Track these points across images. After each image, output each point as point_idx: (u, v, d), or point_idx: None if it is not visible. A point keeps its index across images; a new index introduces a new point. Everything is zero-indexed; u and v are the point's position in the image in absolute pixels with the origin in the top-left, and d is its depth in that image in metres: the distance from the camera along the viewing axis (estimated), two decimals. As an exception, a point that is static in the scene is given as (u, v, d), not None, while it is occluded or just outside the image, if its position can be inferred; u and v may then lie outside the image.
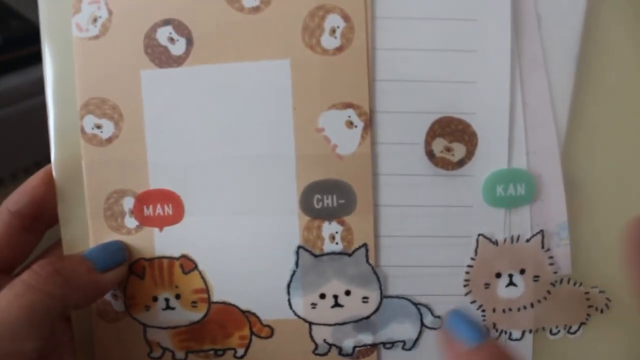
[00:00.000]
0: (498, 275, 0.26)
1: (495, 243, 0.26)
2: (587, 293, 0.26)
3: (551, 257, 0.26)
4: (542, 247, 0.26)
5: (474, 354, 0.22)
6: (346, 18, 0.25)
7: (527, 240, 0.26)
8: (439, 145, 0.25)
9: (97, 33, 0.25)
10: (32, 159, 0.39)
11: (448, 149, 0.25)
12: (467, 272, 0.26)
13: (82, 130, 0.26)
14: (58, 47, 0.26)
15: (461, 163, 0.25)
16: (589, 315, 0.26)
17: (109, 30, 0.25)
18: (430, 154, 0.25)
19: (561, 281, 0.26)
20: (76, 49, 0.25)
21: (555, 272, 0.26)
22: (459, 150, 0.25)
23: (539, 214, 0.26)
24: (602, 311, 0.26)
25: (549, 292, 0.26)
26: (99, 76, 0.26)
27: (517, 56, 0.25)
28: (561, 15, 0.25)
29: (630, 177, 0.26)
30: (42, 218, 0.26)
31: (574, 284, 0.26)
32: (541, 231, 0.26)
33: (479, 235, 0.25)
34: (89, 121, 0.26)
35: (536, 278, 0.26)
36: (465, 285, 0.26)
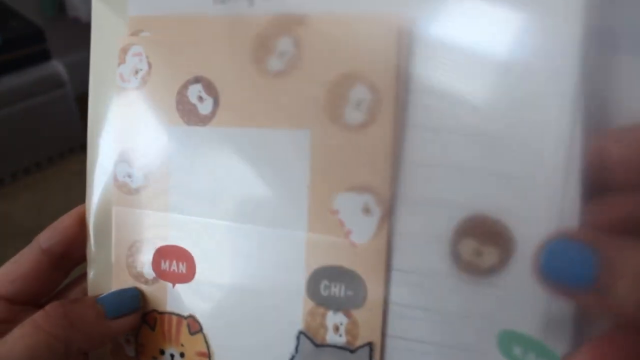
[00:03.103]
0: (525, 408, 0.22)
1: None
2: None
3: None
4: None
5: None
6: (374, 90, 0.22)
7: None
8: (467, 246, 0.22)
9: (137, 85, 0.26)
10: (32, 159, 0.41)
11: (478, 253, 0.21)
12: (485, 398, 0.22)
13: (115, 177, 0.26)
14: (102, 95, 0.27)
15: (491, 271, 0.21)
16: None
17: (147, 83, 0.25)
18: (455, 255, 0.22)
19: None
20: (117, 98, 0.26)
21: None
22: (491, 256, 0.21)
23: None
24: None
25: None
26: (135, 127, 0.26)
27: (578, 150, 0.20)
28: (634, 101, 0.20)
29: None
30: (71, 257, 0.27)
31: None
32: None
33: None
34: (122, 169, 0.26)
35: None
36: (481, 410, 0.22)
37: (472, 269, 0.22)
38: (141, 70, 0.26)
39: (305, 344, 0.24)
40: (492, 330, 0.21)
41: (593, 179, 0.20)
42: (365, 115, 0.22)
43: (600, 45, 0.20)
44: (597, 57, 0.20)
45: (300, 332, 0.24)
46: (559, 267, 0.17)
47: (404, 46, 0.21)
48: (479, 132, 0.21)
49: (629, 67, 0.20)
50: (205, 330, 0.25)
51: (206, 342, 0.25)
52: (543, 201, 0.21)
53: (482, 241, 0.21)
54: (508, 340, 0.21)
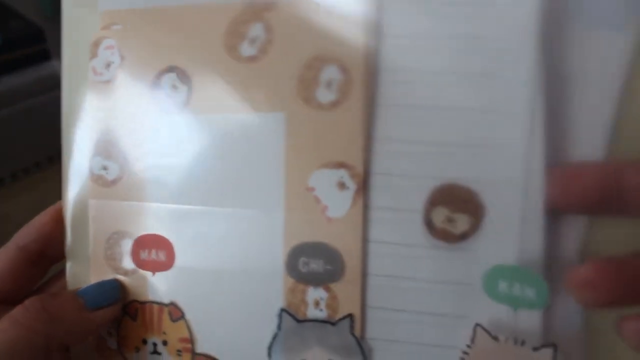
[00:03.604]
0: (500, 370, 0.23)
1: (496, 339, 0.22)
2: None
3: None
4: None
5: None
6: (344, 70, 0.23)
7: (535, 349, 0.22)
8: (439, 214, 0.23)
9: (110, 78, 0.26)
10: (32, 159, 0.41)
11: (450, 220, 0.23)
12: (462, 359, 0.23)
13: (90, 171, 0.26)
14: (75, 90, 0.27)
15: (463, 236, 0.22)
16: None
17: (119, 75, 0.26)
18: (429, 224, 0.23)
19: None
20: (90, 92, 0.26)
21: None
22: (463, 222, 0.22)
23: (554, 321, 0.22)
24: None
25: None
26: (109, 119, 0.26)
27: (540, 118, 0.21)
28: (595, 80, 0.21)
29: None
30: (49, 254, 0.27)
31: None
32: (554, 345, 0.22)
33: (477, 325, 0.22)
34: (97, 162, 0.26)
35: (546, 385, 0.22)
36: (461, 373, 0.23)
37: (445, 235, 0.23)
38: (113, 62, 0.26)
39: (287, 320, 0.24)
40: (470, 288, 0.22)
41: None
42: (336, 95, 0.23)
43: (556, 19, 0.22)
44: (553, 31, 0.21)
45: (282, 310, 0.24)
46: None
47: (371, 27, 0.22)
48: (445, 106, 0.22)
49: (583, 39, 0.22)
50: (187, 316, 0.26)
51: (188, 328, 0.26)
52: (508, 168, 0.22)
53: (453, 209, 0.22)
54: (493, 277, 0.22)
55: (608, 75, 0.21)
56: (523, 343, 0.22)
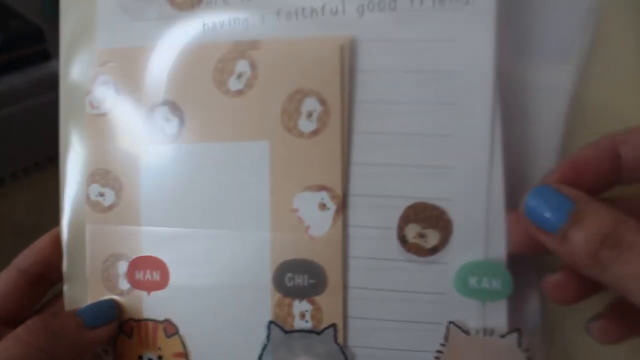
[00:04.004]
0: (471, 367, 0.25)
1: (467, 332, 0.25)
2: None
3: (530, 358, 0.24)
4: (519, 346, 0.24)
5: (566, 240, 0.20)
6: (322, 102, 0.25)
7: (502, 336, 0.24)
8: (412, 231, 0.25)
9: (106, 111, 0.28)
10: (32, 159, 0.42)
11: (421, 235, 0.25)
12: (437, 357, 0.25)
13: (87, 197, 0.28)
14: (74, 123, 0.29)
15: (434, 250, 0.25)
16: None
17: (115, 109, 0.28)
18: (402, 240, 0.25)
19: (540, 381, 0.25)
20: (87, 124, 0.28)
21: (534, 371, 0.25)
22: (433, 237, 0.25)
23: (517, 309, 0.24)
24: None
25: (526, 390, 0.25)
26: (105, 150, 0.28)
27: (499, 142, 0.24)
28: (545, 106, 0.24)
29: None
30: (48, 276, 0.29)
31: (555, 386, 0.25)
32: (518, 330, 0.24)
33: (450, 322, 0.25)
34: (94, 189, 0.28)
35: (512, 375, 0.25)
36: (435, 373, 0.25)
37: (417, 250, 0.25)
38: (109, 97, 0.28)
39: (276, 332, 0.26)
40: (442, 297, 0.25)
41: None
42: (316, 124, 0.25)
43: (513, 51, 0.24)
44: (510, 62, 0.24)
45: (270, 322, 0.26)
46: (539, 206, 0.21)
47: (346, 62, 0.25)
48: (413, 132, 0.25)
49: (539, 70, 0.25)
50: (181, 332, 0.27)
51: (182, 343, 0.27)
52: (473, 186, 0.24)
53: (424, 225, 0.25)
54: (464, 274, 0.24)
55: (555, 103, 0.24)
56: (492, 333, 0.24)
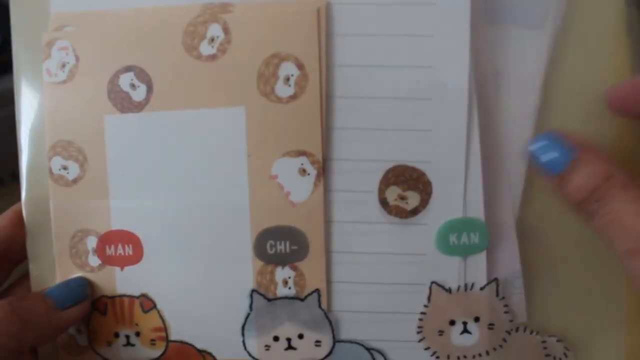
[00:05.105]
0: (452, 323, 0.26)
1: (449, 291, 0.25)
2: (544, 342, 0.26)
3: (506, 306, 0.26)
4: (497, 295, 0.25)
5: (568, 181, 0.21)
6: (300, 66, 0.25)
7: (482, 288, 0.25)
8: (392, 193, 0.25)
9: (65, 78, 0.26)
10: None
11: (402, 197, 0.25)
12: (420, 319, 0.26)
13: (50, 171, 0.27)
14: (30, 91, 0.27)
15: (415, 211, 0.25)
16: (546, 364, 0.26)
17: (75, 76, 0.26)
18: (383, 202, 0.25)
19: (517, 329, 0.26)
20: (45, 93, 0.27)
21: (511, 321, 0.26)
22: (413, 199, 0.25)
23: (494, 262, 0.25)
24: (560, 361, 0.26)
25: (504, 340, 0.26)
26: (66, 119, 0.27)
27: (475, 105, 0.25)
28: (521, 70, 0.25)
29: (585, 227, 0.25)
30: (10, 257, 0.27)
31: (531, 333, 0.26)
32: (495, 279, 0.25)
33: (432, 282, 0.25)
34: (57, 162, 0.27)
35: (491, 326, 0.26)
36: (418, 332, 0.26)
37: (398, 212, 0.25)
38: (68, 63, 0.26)
39: (259, 300, 0.26)
40: (424, 258, 0.25)
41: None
42: (294, 89, 0.25)
43: (484, 18, 0.25)
44: (482, 28, 0.25)
45: (253, 290, 0.26)
46: (544, 149, 0.22)
47: (323, 25, 0.24)
48: (391, 96, 0.25)
49: (506, 36, 0.25)
50: (159, 306, 0.27)
51: (161, 317, 0.27)
52: (450, 148, 0.25)
53: (404, 187, 0.25)
54: (445, 232, 0.25)
55: (530, 69, 0.25)
56: (472, 287, 0.25)
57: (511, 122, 0.25)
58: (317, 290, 0.26)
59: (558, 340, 0.26)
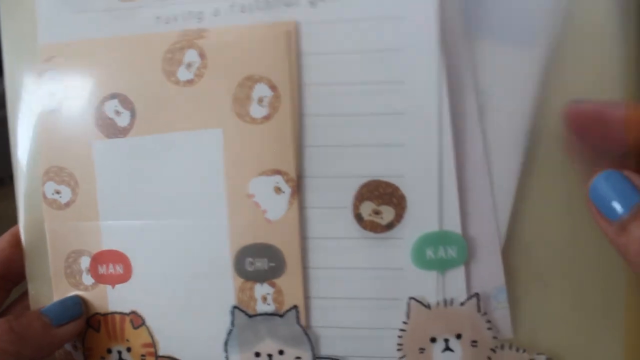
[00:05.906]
0: (433, 340, 0.25)
1: (428, 306, 0.25)
2: (531, 360, 0.25)
3: (489, 322, 0.25)
4: (479, 311, 0.25)
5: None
6: (273, 87, 0.25)
7: (462, 304, 0.25)
8: (367, 208, 0.25)
9: (55, 107, 0.28)
10: None
11: (376, 212, 0.25)
12: (400, 336, 0.26)
13: (44, 196, 0.28)
14: (25, 120, 0.29)
15: (390, 226, 0.25)
16: (534, 382, 0.26)
17: (65, 105, 0.28)
18: (358, 217, 0.25)
19: (502, 346, 0.25)
20: (39, 121, 0.28)
21: (495, 337, 0.25)
22: (388, 213, 0.25)
23: (475, 276, 0.25)
24: (548, 378, 0.25)
25: (489, 358, 0.25)
26: (58, 146, 0.28)
27: (448, 121, 0.24)
28: (511, 90, 0.24)
29: (578, 240, 0.25)
30: (9, 277, 0.29)
31: (517, 350, 0.25)
32: (476, 294, 0.25)
33: (410, 298, 0.25)
34: (50, 187, 0.28)
35: (474, 343, 0.25)
36: (399, 349, 0.26)
37: (373, 226, 0.25)
38: (58, 92, 0.28)
39: (240, 316, 0.26)
40: (400, 272, 0.25)
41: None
42: (267, 110, 0.26)
43: (460, 32, 0.25)
44: (459, 44, 0.24)
45: (234, 307, 0.26)
46: (606, 192, 0.21)
47: (293, 46, 0.25)
48: (362, 112, 0.25)
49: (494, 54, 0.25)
50: (148, 323, 0.28)
51: (150, 333, 0.28)
52: (424, 162, 0.25)
53: (378, 202, 0.25)
54: (420, 246, 0.25)
55: (519, 88, 0.24)
56: (452, 302, 0.25)
57: (498, 140, 0.24)
58: (295, 307, 0.26)
59: (547, 359, 0.25)
